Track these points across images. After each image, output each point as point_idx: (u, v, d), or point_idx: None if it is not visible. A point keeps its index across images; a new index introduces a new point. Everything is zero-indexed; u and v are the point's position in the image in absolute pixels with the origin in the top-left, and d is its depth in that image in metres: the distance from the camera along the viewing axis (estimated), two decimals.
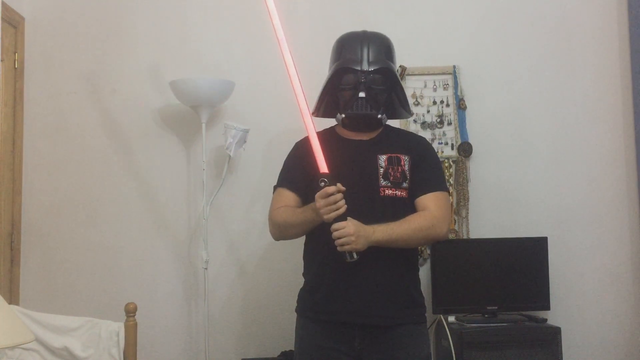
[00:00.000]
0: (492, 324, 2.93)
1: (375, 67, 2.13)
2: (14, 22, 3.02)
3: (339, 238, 1.95)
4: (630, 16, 3.27)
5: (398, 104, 2.25)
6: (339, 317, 2.08)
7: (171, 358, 3.08)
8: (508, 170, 3.24)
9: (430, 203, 2.11)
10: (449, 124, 3.24)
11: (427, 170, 2.17)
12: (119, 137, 3.16)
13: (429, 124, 3.22)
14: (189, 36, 3.21)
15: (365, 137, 2.21)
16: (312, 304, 2.15)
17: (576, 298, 3.20)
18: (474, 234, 3.18)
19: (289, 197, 2.20)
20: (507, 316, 3.00)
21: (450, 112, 3.24)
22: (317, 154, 1.99)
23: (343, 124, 2.21)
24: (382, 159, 2.14)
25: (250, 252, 3.15)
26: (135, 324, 2.42)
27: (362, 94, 2.12)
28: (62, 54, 3.17)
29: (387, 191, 2.10)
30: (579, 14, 3.31)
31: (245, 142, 3.00)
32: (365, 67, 2.13)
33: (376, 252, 2.02)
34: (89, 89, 3.16)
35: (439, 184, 2.19)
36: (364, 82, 2.12)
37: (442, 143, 3.22)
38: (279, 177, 2.29)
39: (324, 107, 2.28)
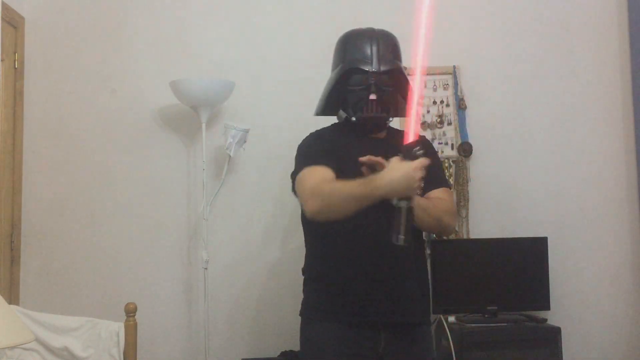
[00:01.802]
0: (492, 324, 2.93)
1: (386, 68, 2.07)
2: (14, 22, 3.02)
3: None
4: (630, 16, 3.27)
5: (404, 103, 2.20)
6: (369, 317, 2.00)
7: (171, 358, 3.08)
8: (508, 170, 3.24)
9: (444, 195, 2.09)
10: (449, 124, 3.24)
11: (434, 169, 2.11)
12: (119, 137, 3.16)
13: (429, 124, 3.23)
14: (189, 36, 3.21)
15: (377, 135, 2.15)
16: (338, 306, 2.03)
17: (576, 298, 3.20)
18: (474, 234, 3.18)
19: (325, 172, 1.96)
20: (507, 316, 3.00)
21: (450, 112, 3.24)
22: (415, 107, 1.84)
23: (350, 126, 2.12)
24: None
25: (250, 252, 3.15)
26: (135, 324, 2.42)
27: (373, 96, 2.04)
28: (62, 54, 3.17)
29: None
30: (579, 14, 3.31)
31: (245, 142, 3.00)
32: (375, 67, 2.05)
33: (400, 252, 1.96)
34: (89, 89, 3.16)
35: (446, 181, 2.19)
36: (374, 83, 2.05)
37: (442, 143, 3.23)
38: (303, 162, 2.06)
39: (324, 105, 2.20)
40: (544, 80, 3.28)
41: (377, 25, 2.20)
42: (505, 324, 2.93)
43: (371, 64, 2.06)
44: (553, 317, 3.07)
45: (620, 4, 3.31)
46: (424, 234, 2.20)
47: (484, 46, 3.29)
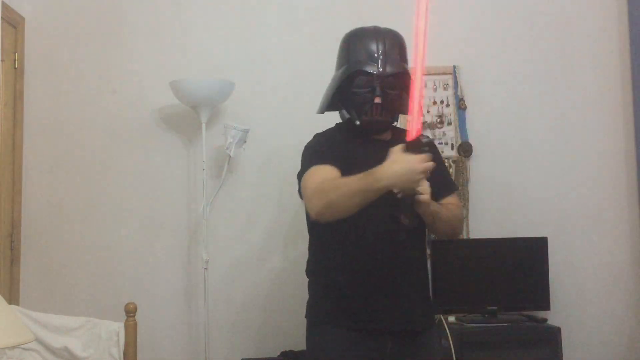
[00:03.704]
0: (492, 324, 2.93)
1: (391, 71, 2.00)
2: (14, 22, 3.02)
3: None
4: (630, 16, 3.27)
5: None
6: (374, 325, 1.97)
7: (171, 358, 3.08)
8: (508, 170, 3.25)
9: (456, 202, 2.08)
10: (449, 124, 3.24)
11: (443, 171, 2.11)
12: (119, 137, 3.16)
13: (429, 124, 3.23)
14: (189, 36, 3.21)
15: (382, 136, 2.09)
16: (343, 312, 2.00)
17: (576, 298, 3.20)
18: (474, 234, 3.18)
19: (331, 171, 1.91)
20: (507, 316, 3.00)
21: (450, 112, 3.24)
22: (416, 104, 1.73)
23: (354, 129, 2.06)
24: None
25: (250, 252, 3.15)
26: (135, 324, 2.42)
27: (378, 100, 1.97)
28: (62, 54, 3.17)
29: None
30: (579, 14, 3.31)
31: (245, 142, 3.00)
32: (380, 70, 1.98)
33: (407, 256, 1.99)
34: (89, 89, 3.16)
35: (454, 184, 2.18)
36: (379, 85, 1.98)
37: (442, 143, 3.22)
38: (309, 162, 2.01)
39: (327, 105, 2.14)
40: (543, 80, 3.28)
41: (379, 24, 2.15)
42: (505, 324, 2.93)
43: (376, 65, 1.99)
44: (553, 317, 3.07)
45: (620, 4, 3.31)
46: (426, 238, 2.18)
47: (484, 46, 3.29)
